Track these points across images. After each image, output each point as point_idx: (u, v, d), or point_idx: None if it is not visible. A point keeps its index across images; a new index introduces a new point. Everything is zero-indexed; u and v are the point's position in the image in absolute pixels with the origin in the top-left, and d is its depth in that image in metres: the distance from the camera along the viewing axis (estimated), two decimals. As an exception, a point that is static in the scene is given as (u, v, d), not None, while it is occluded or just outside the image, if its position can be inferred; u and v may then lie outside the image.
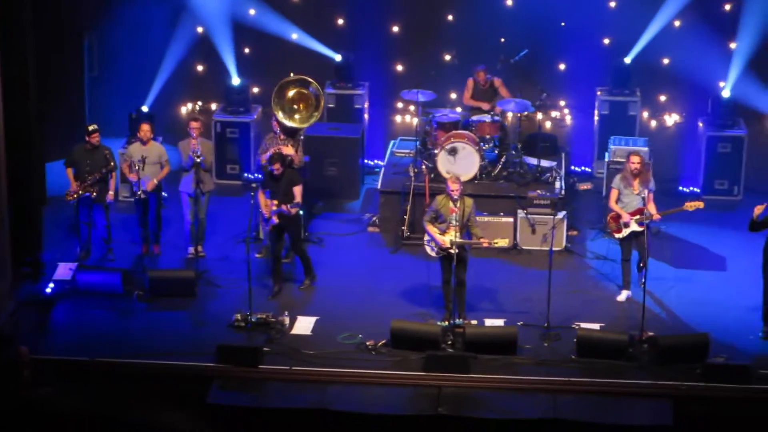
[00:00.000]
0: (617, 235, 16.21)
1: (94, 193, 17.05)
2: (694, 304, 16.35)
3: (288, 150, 17.17)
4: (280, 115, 17.67)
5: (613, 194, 16.27)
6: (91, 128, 17.13)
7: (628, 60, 20.38)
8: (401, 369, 14.87)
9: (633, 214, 16.01)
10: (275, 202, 16.15)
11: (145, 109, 19.78)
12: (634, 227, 15.98)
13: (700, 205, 15.86)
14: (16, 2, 16.11)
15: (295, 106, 17.90)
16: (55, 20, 19.91)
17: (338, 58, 20.97)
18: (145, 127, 17.36)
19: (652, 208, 15.96)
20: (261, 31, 20.99)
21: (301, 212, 17.64)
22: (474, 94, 19.38)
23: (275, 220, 16.20)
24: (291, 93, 17.91)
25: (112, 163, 17.16)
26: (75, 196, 17.02)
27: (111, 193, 17.16)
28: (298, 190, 16.31)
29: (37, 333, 15.52)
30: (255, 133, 20.07)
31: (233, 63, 20.56)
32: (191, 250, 17.38)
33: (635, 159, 16.11)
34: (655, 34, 20.40)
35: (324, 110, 20.65)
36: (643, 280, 15.47)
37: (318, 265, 17.27)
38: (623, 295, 16.33)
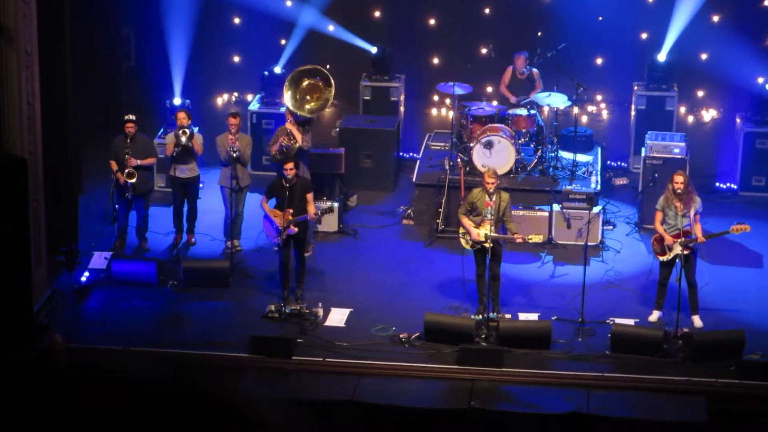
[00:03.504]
0: (661, 258, 15.42)
1: (134, 178, 17.02)
2: (729, 301, 16.23)
3: (295, 132, 17.05)
4: (288, 100, 17.52)
5: (658, 216, 15.48)
6: (126, 117, 17.20)
7: (663, 56, 20.23)
8: (434, 362, 14.84)
9: (678, 236, 15.27)
10: (290, 211, 15.73)
11: (177, 101, 19.81)
12: (678, 250, 15.20)
13: (747, 228, 15.31)
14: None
15: (308, 97, 17.75)
16: (93, 11, 19.98)
17: (374, 50, 20.93)
18: (182, 115, 17.39)
19: (698, 230, 15.24)
20: (297, 23, 20.98)
21: (336, 205, 17.60)
22: (511, 83, 19.34)
23: (294, 229, 15.77)
24: (305, 84, 17.77)
25: (152, 152, 17.28)
26: (125, 179, 17.00)
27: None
28: (311, 197, 15.91)
29: (72, 322, 15.59)
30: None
31: (278, 53, 20.53)
32: (228, 243, 17.36)
33: (679, 179, 15.17)
34: (693, 29, 20.24)
35: (360, 102, 20.75)
36: (679, 276, 15.31)
37: (352, 258, 17.27)
38: (654, 316, 15.66)
